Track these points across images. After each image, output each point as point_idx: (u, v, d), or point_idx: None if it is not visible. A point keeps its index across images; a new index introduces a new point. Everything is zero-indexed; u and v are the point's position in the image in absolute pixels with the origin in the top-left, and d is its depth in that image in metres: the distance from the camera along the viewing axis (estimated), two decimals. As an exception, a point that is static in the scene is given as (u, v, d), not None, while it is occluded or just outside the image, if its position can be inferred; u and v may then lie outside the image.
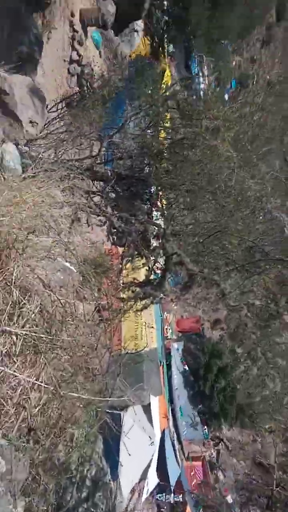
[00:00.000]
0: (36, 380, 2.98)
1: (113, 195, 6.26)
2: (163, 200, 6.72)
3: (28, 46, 7.17)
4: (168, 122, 6.23)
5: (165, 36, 14.45)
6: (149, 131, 6.09)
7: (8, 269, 3.22)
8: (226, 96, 16.69)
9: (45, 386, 3.00)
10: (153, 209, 6.63)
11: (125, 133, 6.06)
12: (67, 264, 3.81)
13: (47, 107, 5.93)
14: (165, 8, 13.80)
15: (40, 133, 5.67)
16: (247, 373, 5.17)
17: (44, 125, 5.94)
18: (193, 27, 13.58)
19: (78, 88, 10.54)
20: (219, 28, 14.30)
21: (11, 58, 6.14)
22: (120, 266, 5.63)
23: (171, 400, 16.21)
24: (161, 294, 5.55)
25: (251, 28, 25.26)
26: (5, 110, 4.94)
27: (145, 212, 5.90)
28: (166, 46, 15.53)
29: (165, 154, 6.23)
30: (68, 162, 5.88)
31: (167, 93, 6.36)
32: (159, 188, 6.49)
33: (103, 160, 6.28)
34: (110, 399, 3.60)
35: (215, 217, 5.14)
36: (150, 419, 11.30)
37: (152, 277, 5.51)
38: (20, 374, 2.91)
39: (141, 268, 5.89)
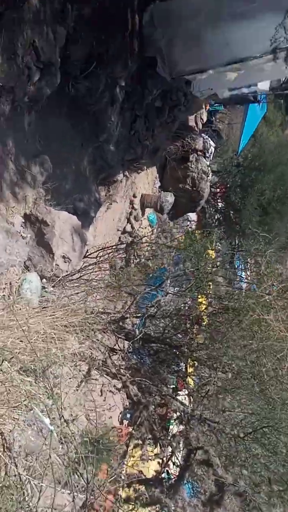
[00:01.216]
0: None
1: (137, 357, 5.27)
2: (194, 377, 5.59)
3: (86, 204, 7.40)
4: (211, 287, 5.63)
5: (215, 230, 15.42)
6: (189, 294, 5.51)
7: None
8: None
9: None
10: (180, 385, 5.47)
11: (164, 292, 5.48)
12: (47, 422, 2.62)
13: (87, 251, 5.62)
14: (218, 208, 15.05)
15: (72, 274, 5.13)
16: None
17: (79, 269, 5.45)
18: (243, 227, 14.32)
19: (125, 254, 10.67)
20: (268, 232, 15.04)
21: (66, 204, 6.21)
22: (126, 448, 4.19)
23: None
24: (173, 506, 3.89)
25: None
26: (40, 240, 4.58)
27: (170, 385, 4.76)
28: (215, 241, 16.43)
29: (204, 323, 5.44)
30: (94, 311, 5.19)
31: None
32: (191, 361, 5.46)
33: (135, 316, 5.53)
34: None
35: (261, 408, 3.90)
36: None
37: (163, 475, 3.99)
38: None
39: (151, 460, 4.38)
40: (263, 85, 10.64)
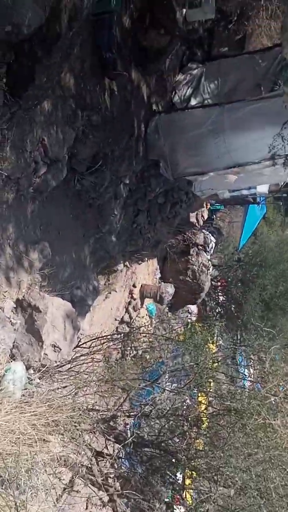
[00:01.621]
0: None
1: (127, 464, 4.68)
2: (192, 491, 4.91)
3: (84, 292, 7.30)
4: (211, 385, 5.23)
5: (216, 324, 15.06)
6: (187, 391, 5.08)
7: None
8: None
9: None
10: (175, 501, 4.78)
11: (160, 388, 5.07)
12: None
13: (79, 340, 5.36)
14: (219, 301, 14.89)
15: (61, 365, 4.81)
16: None
17: (70, 360, 5.14)
18: (244, 321, 14.03)
19: (120, 345, 10.26)
20: (271, 328, 14.70)
21: (62, 291, 6.10)
22: None
23: None
24: None
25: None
26: (30, 327, 4.37)
27: (164, 500, 4.13)
28: (215, 335, 15.98)
29: (203, 425, 4.93)
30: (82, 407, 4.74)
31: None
32: (189, 471, 4.85)
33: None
34: None
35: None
36: None
37: None
38: None
39: None
40: (263, 188, 11.22)
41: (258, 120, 6.99)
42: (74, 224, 6.58)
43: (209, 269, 12.29)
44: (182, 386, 5.18)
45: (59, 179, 5.12)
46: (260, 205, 13.94)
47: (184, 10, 6.33)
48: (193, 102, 7.81)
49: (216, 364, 5.87)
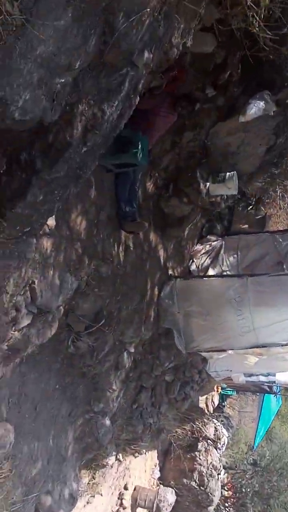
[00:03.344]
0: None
1: None
2: None
3: (55, 501, 5.12)
4: None
5: None
6: None
7: None
8: None
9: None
10: None
11: None
12: None
13: None
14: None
15: None
16: None
17: None
18: None
19: None
20: None
21: (23, 501, 4.08)
22: None
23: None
24: None
25: None
26: None
27: None
28: None
29: None
30: None
31: None
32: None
33: None
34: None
35: None
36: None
37: None
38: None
39: None
40: (283, 377, 9.61)
41: (282, 296, 6.07)
42: (60, 398, 4.95)
43: (219, 473, 9.62)
44: None
45: (45, 337, 3.84)
46: (276, 396, 11.97)
47: (208, 184, 6.14)
48: (211, 272, 7.08)
49: None
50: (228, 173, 6.17)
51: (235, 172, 6.19)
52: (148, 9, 2.20)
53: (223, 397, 12.35)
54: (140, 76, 2.57)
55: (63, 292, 3.79)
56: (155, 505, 9.31)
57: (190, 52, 3.75)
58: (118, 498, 8.73)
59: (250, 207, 7.70)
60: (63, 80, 2.06)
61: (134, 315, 5.41)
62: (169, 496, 9.83)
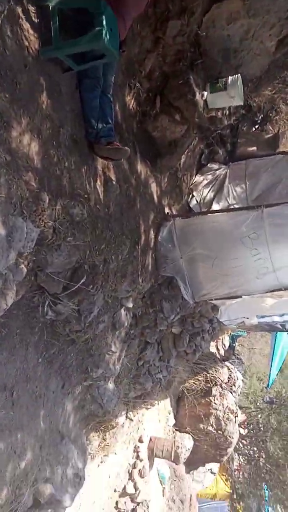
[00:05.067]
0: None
1: None
2: None
3: (58, 486, 4.30)
4: None
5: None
6: None
7: None
8: None
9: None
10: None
11: None
12: None
13: None
14: (250, 454, 11.14)
15: None
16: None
17: None
18: None
19: None
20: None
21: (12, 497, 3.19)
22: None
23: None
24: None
25: None
26: None
27: None
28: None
29: None
30: None
31: None
32: None
33: None
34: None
35: None
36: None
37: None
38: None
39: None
40: (298, 315, 8.66)
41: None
42: (45, 373, 3.95)
43: (237, 416, 9.02)
44: None
45: (0, 308, 2.70)
46: (288, 332, 11.16)
47: (205, 94, 4.67)
48: (215, 207, 5.81)
49: None
50: (230, 77, 4.68)
51: (239, 75, 4.70)
52: None
53: (233, 338, 11.61)
54: None
55: (15, 246, 2.58)
56: (173, 453, 8.81)
57: None
58: (134, 451, 8.19)
59: (257, 126, 6.23)
60: None
61: (126, 266, 4.25)
62: (187, 441, 9.32)
